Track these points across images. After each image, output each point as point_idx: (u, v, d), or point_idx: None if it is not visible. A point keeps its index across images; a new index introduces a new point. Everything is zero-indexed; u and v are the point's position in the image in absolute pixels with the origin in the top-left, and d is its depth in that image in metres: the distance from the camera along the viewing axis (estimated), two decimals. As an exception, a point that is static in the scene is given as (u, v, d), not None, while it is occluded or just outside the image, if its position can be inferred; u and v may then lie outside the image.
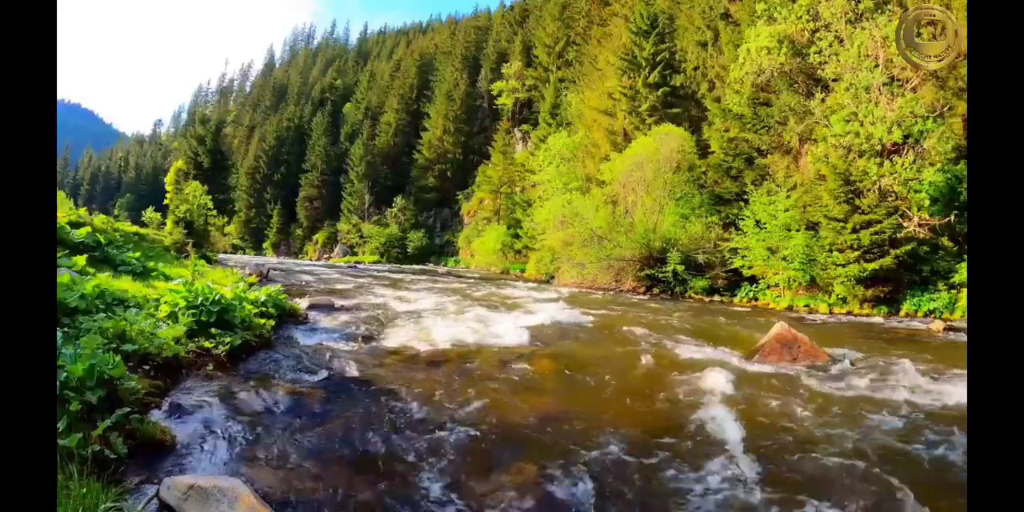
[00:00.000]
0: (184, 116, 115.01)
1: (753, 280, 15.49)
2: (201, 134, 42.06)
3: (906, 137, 13.09)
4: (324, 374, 5.14)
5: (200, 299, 5.58)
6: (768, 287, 15.03)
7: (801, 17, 16.21)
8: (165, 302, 5.61)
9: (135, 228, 18.09)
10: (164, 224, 24.74)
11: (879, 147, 13.33)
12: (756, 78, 17.14)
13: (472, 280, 22.07)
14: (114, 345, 4.11)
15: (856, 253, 12.62)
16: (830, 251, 13.19)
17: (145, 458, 3.07)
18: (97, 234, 10.12)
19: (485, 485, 3.16)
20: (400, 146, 53.99)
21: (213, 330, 5.39)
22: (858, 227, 12.81)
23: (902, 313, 12.43)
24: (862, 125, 13.50)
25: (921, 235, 13.03)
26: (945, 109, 13.16)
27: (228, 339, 5.33)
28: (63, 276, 5.41)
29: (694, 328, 9.51)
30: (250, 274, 13.86)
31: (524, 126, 43.02)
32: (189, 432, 3.53)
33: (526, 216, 28.37)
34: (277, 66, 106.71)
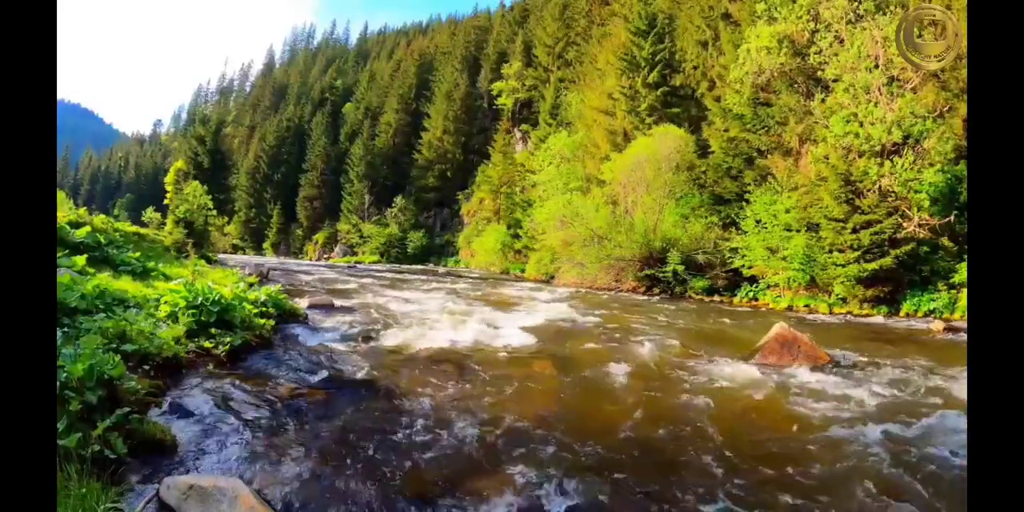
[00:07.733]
0: (184, 116, 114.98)
1: (753, 280, 15.49)
2: (201, 134, 42.19)
3: (906, 137, 13.08)
4: (324, 374, 5.14)
5: (200, 299, 5.58)
6: (768, 287, 15.03)
7: (801, 17, 16.22)
8: (165, 302, 5.62)
9: (135, 228, 18.07)
10: (164, 224, 24.81)
11: (879, 147, 13.32)
12: (756, 78, 17.14)
13: (472, 280, 22.07)
14: (114, 345, 4.11)
15: (856, 253, 12.61)
16: (830, 251, 13.18)
17: (145, 458, 3.07)
18: (97, 234, 10.10)
19: (485, 486, 3.16)
20: (400, 146, 53.99)
21: (213, 330, 5.40)
22: (858, 227, 12.80)
23: (902, 313, 12.42)
24: (862, 125, 13.49)
25: (921, 235, 13.02)
26: (945, 110, 13.15)
27: (228, 339, 5.34)
28: (63, 276, 5.41)
29: (694, 328, 9.52)
30: (250, 274, 13.85)
31: (524, 126, 43.04)
32: (189, 432, 3.53)
33: (526, 216, 28.37)
34: (277, 66, 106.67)
